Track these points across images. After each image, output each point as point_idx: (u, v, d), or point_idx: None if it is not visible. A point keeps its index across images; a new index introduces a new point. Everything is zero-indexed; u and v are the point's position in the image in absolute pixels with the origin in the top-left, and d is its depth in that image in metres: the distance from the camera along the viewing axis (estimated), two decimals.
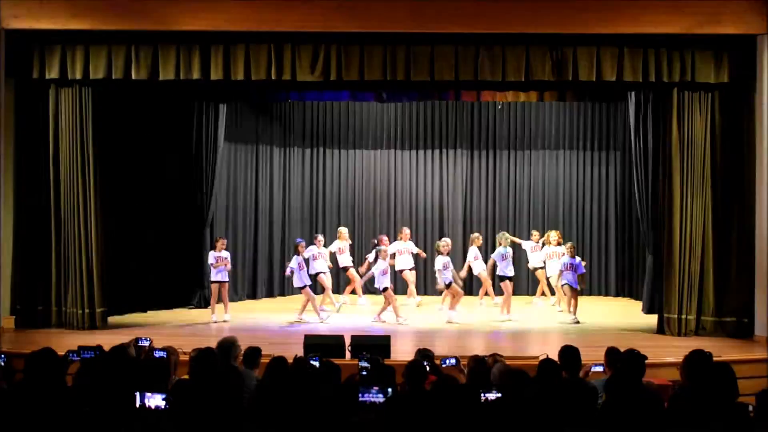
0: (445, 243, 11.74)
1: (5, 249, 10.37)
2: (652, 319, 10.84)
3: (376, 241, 12.70)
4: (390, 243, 12.87)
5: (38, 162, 10.55)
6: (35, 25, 10.00)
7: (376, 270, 11.35)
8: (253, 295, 14.00)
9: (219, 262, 11.27)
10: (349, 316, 11.94)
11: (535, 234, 13.47)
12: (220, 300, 11.44)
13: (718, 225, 10.28)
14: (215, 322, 11.13)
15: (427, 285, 14.26)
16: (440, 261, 11.43)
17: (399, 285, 13.44)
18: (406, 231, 13.37)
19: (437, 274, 11.55)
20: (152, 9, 9.86)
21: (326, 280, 12.54)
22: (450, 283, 11.30)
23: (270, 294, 14.09)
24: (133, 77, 10.16)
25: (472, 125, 15.00)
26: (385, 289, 11.13)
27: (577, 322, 11.15)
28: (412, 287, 13.24)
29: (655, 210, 11.22)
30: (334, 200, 15.12)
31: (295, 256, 11.39)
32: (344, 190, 15.16)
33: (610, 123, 14.67)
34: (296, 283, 11.39)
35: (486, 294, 13.15)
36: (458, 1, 9.82)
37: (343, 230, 13.41)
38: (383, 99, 12.78)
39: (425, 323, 11.24)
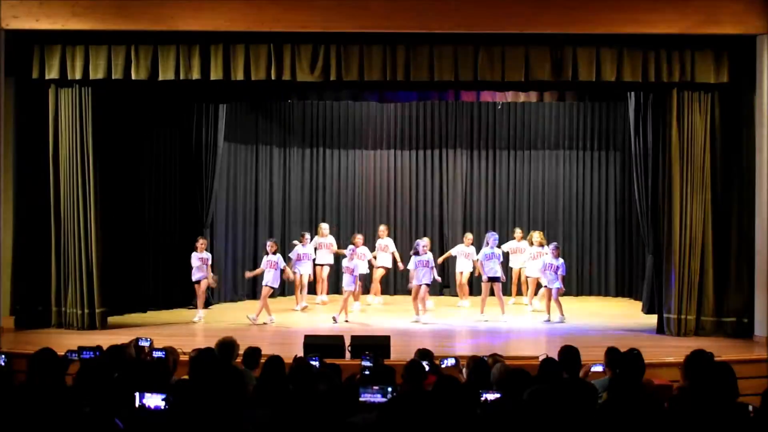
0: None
1: (5, 249, 10.36)
2: (652, 319, 10.83)
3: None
4: (364, 242, 12.91)
5: (38, 162, 10.55)
6: (35, 26, 9.99)
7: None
8: (253, 295, 13.97)
9: (201, 262, 11.33)
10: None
11: (518, 231, 13.46)
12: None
13: (718, 225, 10.28)
14: (196, 322, 11.20)
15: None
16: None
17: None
18: (381, 228, 13.44)
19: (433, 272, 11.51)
20: (152, 9, 9.85)
21: (306, 279, 12.70)
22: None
23: (270, 294, 14.05)
24: (133, 77, 10.15)
25: (472, 125, 15.00)
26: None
27: (562, 321, 11.30)
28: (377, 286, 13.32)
29: (654, 210, 11.22)
30: (333, 201, 15.12)
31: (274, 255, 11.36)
32: (344, 191, 15.16)
33: (610, 123, 14.67)
34: (272, 282, 11.35)
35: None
36: (458, 1, 9.81)
37: (323, 226, 13.40)
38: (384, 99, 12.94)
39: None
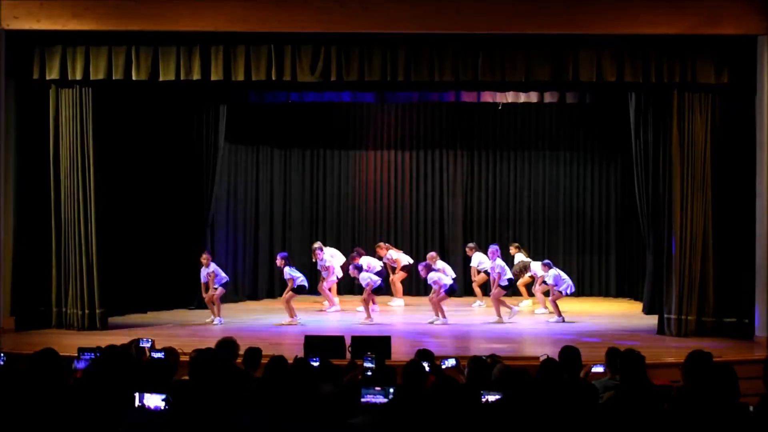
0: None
1: (5, 249, 10.35)
2: (653, 320, 10.83)
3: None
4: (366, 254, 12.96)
5: (39, 162, 10.54)
6: (35, 26, 9.99)
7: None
8: (253, 296, 13.99)
9: (208, 278, 11.09)
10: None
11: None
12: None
13: (719, 225, 10.27)
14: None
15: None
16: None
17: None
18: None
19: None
20: (152, 9, 9.86)
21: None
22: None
23: (271, 295, 14.07)
24: (134, 78, 10.16)
25: (473, 126, 14.99)
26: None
27: (561, 321, 11.37)
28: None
29: (655, 211, 11.22)
30: (334, 201, 15.12)
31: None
32: (344, 192, 15.16)
33: (611, 124, 14.66)
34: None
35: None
36: (458, 2, 9.82)
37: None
38: (384, 100, 12.94)
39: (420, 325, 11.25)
